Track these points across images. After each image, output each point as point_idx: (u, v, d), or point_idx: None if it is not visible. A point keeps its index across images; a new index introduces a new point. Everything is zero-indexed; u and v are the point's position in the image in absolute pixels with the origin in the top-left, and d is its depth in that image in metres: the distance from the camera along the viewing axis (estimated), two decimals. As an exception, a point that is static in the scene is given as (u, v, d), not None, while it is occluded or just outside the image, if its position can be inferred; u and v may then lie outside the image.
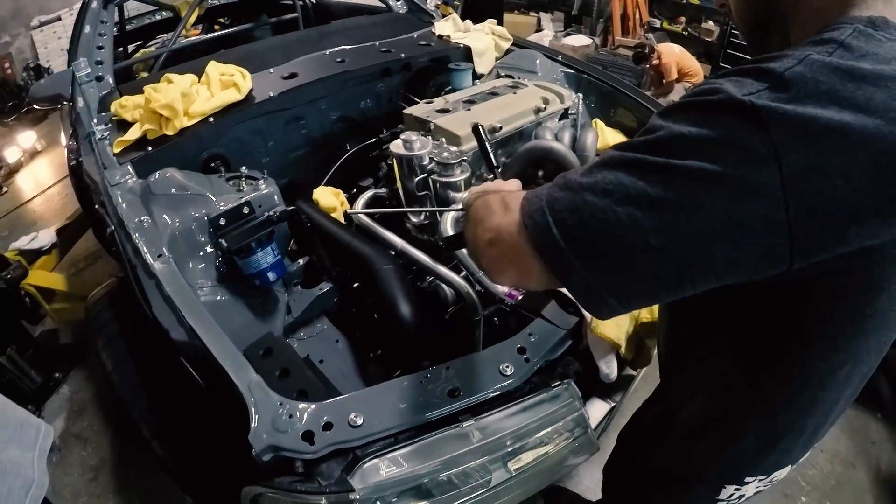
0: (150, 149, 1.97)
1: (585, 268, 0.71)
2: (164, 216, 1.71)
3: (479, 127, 1.64)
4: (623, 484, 1.41)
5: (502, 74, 2.89)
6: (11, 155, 6.40)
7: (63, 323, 3.46)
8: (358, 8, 4.02)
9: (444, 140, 1.99)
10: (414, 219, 2.01)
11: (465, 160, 1.86)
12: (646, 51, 6.82)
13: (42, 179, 6.09)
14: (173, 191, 1.77)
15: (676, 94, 6.80)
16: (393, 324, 1.64)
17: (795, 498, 2.62)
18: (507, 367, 1.36)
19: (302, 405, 1.21)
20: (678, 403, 1.10)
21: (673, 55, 6.76)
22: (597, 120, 2.76)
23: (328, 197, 2.14)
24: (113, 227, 1.72)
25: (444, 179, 1.85)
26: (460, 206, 1.49)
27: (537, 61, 2.94)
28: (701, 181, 0.64)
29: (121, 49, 3.82)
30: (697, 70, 6.95)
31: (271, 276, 1.76)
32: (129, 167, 1.89)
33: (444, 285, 1.81)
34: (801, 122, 0.61)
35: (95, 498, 2.65)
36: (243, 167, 2.00)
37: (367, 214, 1.81)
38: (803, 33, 0.75)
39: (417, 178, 1.90)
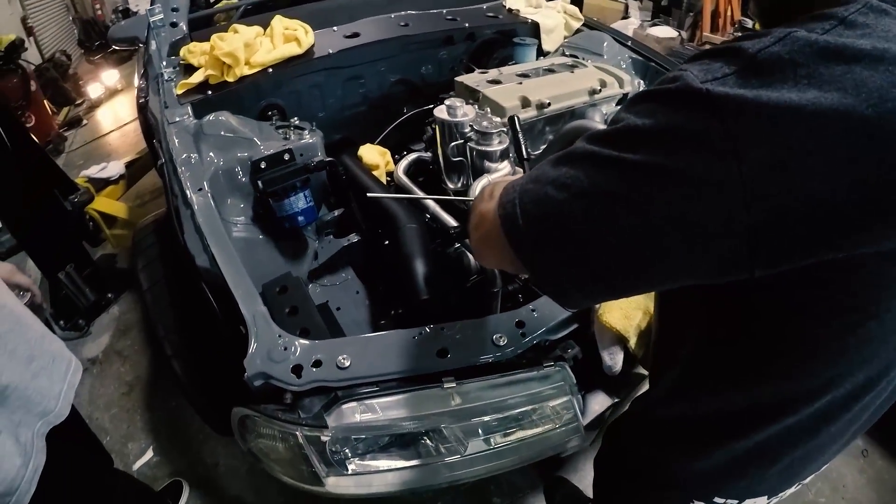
0: (209, 93, 2.07)
1: (547, 259, 0.72)
2: (211, 154, 1.81)
3: (516, 118, 1.66)
4: (605, 478, 1.38)
5: (567, 54, 2.85)
6: (94, 91, 6.84)
7: (120, 249, 3.67)
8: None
9: (489, 110, 2.00)
10: (451, 185, 2.04)
11: (503, 131, 1.86)
12: None
13: (120, 115, 6.44)
14: (223, 132, 1.86)
15: None
16: (406, 281, 1.67)
17: None
18: (501, 338, 1.35)
19: (299, 341, 1.26)
20: (658, 403, 1.05)
21: None
22: None
23: (373, 154, 2.19)
24: (163, 161, 1.82)
25: (480, 148, 1.86)
26: (470, 197, 1.56)
27: (605, 44, 2.89)
28: (652, 177, 0.61)
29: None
30: None
31: (301, 220, 1.84)
32: (188, 108, 1.99)
33: (468, 253, 1.83)
34: (766, 112, 0.55)
35: (125, 412, 2.84)
36: (295, 118, 2.08)
37: (385, 198, 1.84)
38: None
39: (453, 144, 1.92)
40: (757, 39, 0.60)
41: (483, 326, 1.39)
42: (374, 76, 2.51)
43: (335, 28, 2.46)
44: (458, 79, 2.20)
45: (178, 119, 1.92)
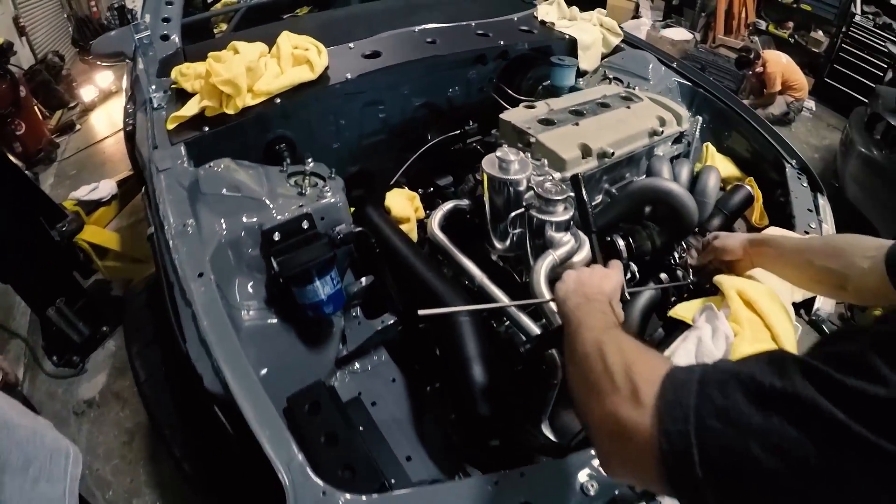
0: (206, 129, 1.72)
1: None
2: (212, 221, 1.47)
3: (577, 177, 1.38)
4: None
5: (610, 77, 2.56)
6: (88, 94, 6.62)
7: (114, 279, 3.45)
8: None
9: (545, 162, 1.69)
10: (499, 245, 1.73)
11: (570, 195, 1.54)
12: (751, 56, 6.38)
13: (115, 119, 6.24)
14: (224, 190, 1.53)
15: (777, 108, 6.37)
16: (461, 389, 1.40)
17: None
18: (591, 484, 1.09)
19: (346, 497, 1.00)
20: None
21: (779, 65, 6.31)
22: (708, 144, 2.46)
23: (402, 204, 1.88)
24: (153, 230, 1.49)
25: (543, 217, 1.55)
26: (549, 298, 1.31)
27: (650, 66, 2.62)
28: None
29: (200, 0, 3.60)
30: (803, 84, 6.50)
31: (328, 310, 1.52)
32: (181, 148, 1.64)
33: (519, 332, 1.55)
34: None
35: (128, 463, 2.65)
36: (309, 160, 1.73)
37: (438, 314, 1.43)
38: None
39: (513, 214, 1.60)
40: None
41: (568, 469, 1.13)
42: (396, 101, 2.19)
43: (351, 45, 2.13)
44: (504, 116, 1.89)
45: (169, 166, 1.57)
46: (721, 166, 2.38)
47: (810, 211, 2.07)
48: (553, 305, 1.20)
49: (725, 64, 7.47)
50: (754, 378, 0.60)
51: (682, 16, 8.63)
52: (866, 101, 6.46)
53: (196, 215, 1.45)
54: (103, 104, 6.65)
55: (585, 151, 1.74)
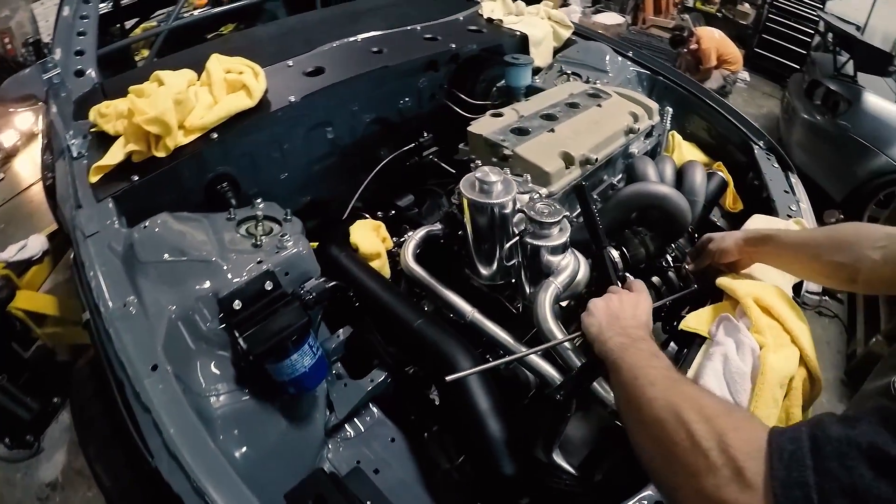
0: (136, 178, 1.47)
1: None
2: (157, 295, 1.23)
3: (583, 187, 1.29)
4: None
5: (568, 72, 2.42)
6: (8, 139, 6.12)
7: (58, 345, 3.10)
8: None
9: (528, 178, 1.52)
10: (485, 272, 1.55)
11: (566, 216, 1.38)
12: (684, 34, 6.41)
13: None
14: (167, 256, 1.29)
15: (714, 82, 6.41)
16: (482, 449, 1.23)
17: None
18: None
19: None
20: None
21: (713, 40, 6.37)
22: (674, 133, 2.37)
23: (370, 238, 1.67)
24: (89, 314, 1.24)
25: (539, 243, 1.37)
26: (574, 336, 1.19)
27: (606, 58, 2.52)
28: None
29: (117, 26, 3.31)
30: (737, 57, 6.58)
31: (311, 383, 1.30)
32: (109, 205, 1.39)
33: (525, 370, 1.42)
34: None
35: None
36: (259, 202, 1.50)
37: (466, 376, 1.24)
38: None
39: (508, 246, 1.42)
40: None
41: None
42: (344, 119, 1.98)
43: (290, 63, 1.92)
44: (472, 129, 1.70)
45: (97, 229, 1.33)
46: (688, 153, 2.33)
47: (787, 192, 2.02)
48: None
49: (659, 44, 7.54)
50: (877, 447, 0.56)
51: (611, 0, 8.64)
52: (798, 67, 6.61)
53: (137, 290, 1.22)
54: (27, 148, 6.16)
55: (568, 160, 1.59)
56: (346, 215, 1.95)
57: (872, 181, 4.63)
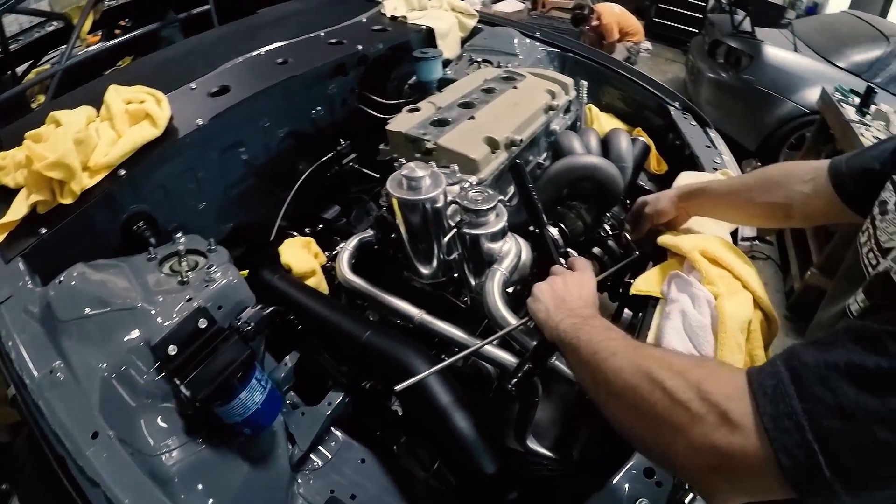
0: (44, 231, 1.35)
1: (853, 498, 0.57)
2: (84, 354, 1.13)
3: (519, 166, 1.26)
4: None
5: (478, 60, 2.40)
6: None
7: None
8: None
9: (456, 168, 1.49)
10: (425, 271, 1.51)
11: (501, 201, 1.35)
12: (585, 12, 6.50)
13: None
14: (88, 310, 1.18)
15: (619, 55, 6.55)
16: (457, 454, 1.19)
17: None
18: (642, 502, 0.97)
19: None
20: None
21: (614, 15, 6.51)
22: (591, 106, 2.40)
23: (301, 256, 1.60)
24: (14, 388, 1.13)
25: (477, 232, 1.34)
26: (523, 322, 1.18)
27: (515, 41, 2.51)
28: None
29: (8, 73, 3.13)
30: (638, 28, 6.75)
31: (267, 420, 1.22)
32: (19, 264, 1.28)
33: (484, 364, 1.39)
34: None
35: None
36: (179, 235, 1.41)
37: (415, 382, 1.11)
38: None
39: (446, 239, 1.38)
40: None
41: (611, 495, 1.00)
42: (257, 137, 1.90)
43: (193, 85, 1.83)
44: (391, 127, 1.65)
45: (9, 293, 1.22)
46: (607, 123, 2.35)
47: (709, 147, 2.06)
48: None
49: (561, 26, 7.66)
50: (854, 364, 0.58)
51: (510, -13, 8.74)
52: (697, 31, 6.83)
53: (63, 353, 1.13)
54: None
55: (493, 145, 1.56)
56: (273, 236, 1.87)
57: (782, 127, 4.90)
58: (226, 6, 3.57)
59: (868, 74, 4.86)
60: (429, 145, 1.55)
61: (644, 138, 2.21)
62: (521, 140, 1.60)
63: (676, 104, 2.30)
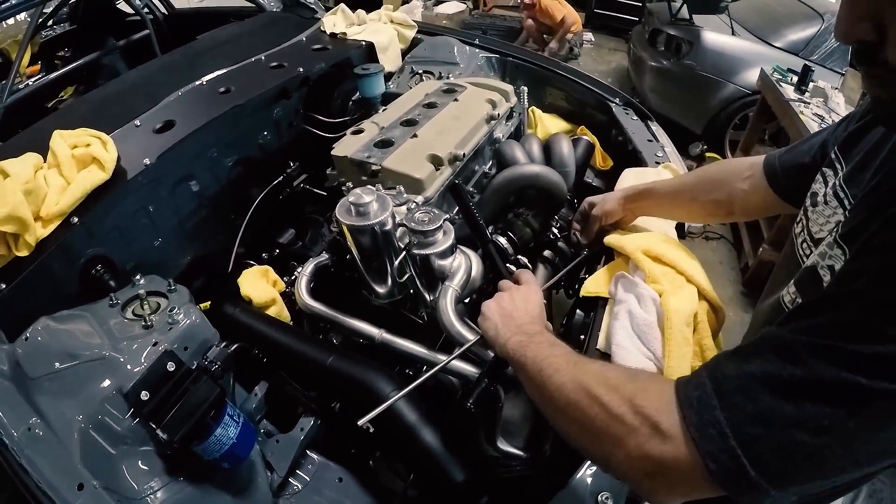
0: (3, 286, 1.36)
1: (782, 492, 0.63)
2: (59, 408, 1.15)
3: (458, 186, 1.31)
4: None
5: (419, 72, 2.45)
6: None
7: None
8: (221, 13, 3.43)
9: (401, 189, 1.53)
10: (381, 290, 1.55)
11: (447, 219, 1.40)
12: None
13: None
14: (58, 364, 1.19)
15: (563, 49, 6.73)
16: (427, 465, 1.24)
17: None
18: (606, 497, 1.02)
19: None
20: None
21: None
22: (534, 108, 2.46)
23: (260, 286, 1.62)
24: None
25: (425, 252, 1.38)
26: (476, 339, 1.24)
27: (454, 50, 2.56)
28: None
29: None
30: (575, 17, 6.97)
31: (244, 453, 1.25)
32: (-18, 323, 1.29)
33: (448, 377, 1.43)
34: None
35: None
36: (139, 277, 1.44)
37: (379, 413, 1.17)
38: None
39: (397, 263, 1.41)
40: None
41: (577, 492, 1.05)
42: (206, 168, 1.91)
43: (137, 122, 1.82)
44: (336, 153, 1.68)
45: (-25, 356, 1.23)
46: (551, 124, 2.43)
47: (650, 141, 2.13)
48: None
49: (503, 23, 7.76)
50: (771, 374, 0.63)
51: (450, -12, 8.80)
52: (637, 20, 6.98)
53: (38, 409, 1.14)
54: None
55: (437, 162, 1.60)
56: (231, 265, 1.90)
57: (725, 109, 5.05)
58: (165, 31, 3.58)
59: (805, 52, 5.04)
60: (374, 168, 1.58)
61: (588, 136, 2.27)
62: (464, 154, 1.65)
63: (617, 100, 2.37)
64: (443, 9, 7.90)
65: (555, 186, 1.67)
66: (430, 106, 1.91)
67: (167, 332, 1.29)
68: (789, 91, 4.00)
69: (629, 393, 0.73)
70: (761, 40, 5.29)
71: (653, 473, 0.70)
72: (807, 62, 4.49)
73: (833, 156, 0.94)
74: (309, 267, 1.67)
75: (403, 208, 1.46)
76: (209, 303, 1.60)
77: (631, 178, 1.83)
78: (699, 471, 0.65)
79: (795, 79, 4.10)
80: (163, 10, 3.73)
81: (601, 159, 2.32)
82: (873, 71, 0.66)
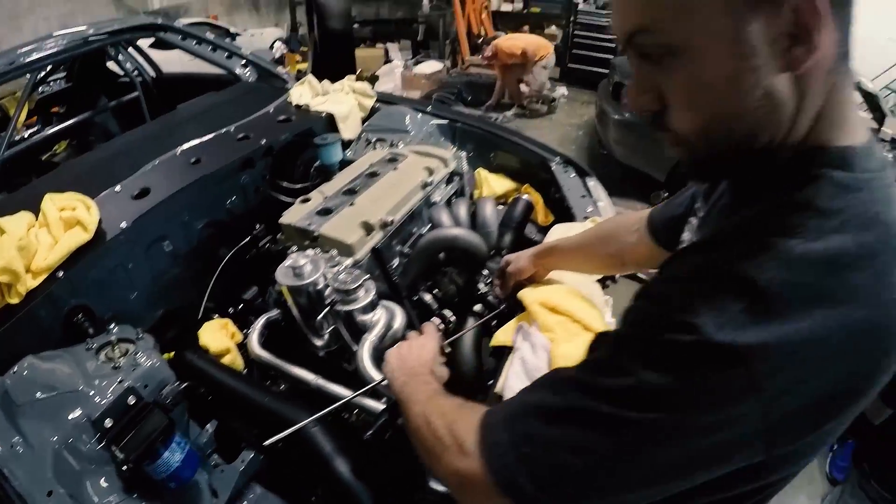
0: None
1: None
2: (38, 431, 1.41)
3: (379, 251, 1.55)
4: None
5: (373, 140, 2.72)
6: None
7: None
8: (203, 79, 3.73)
9: (335, 252, 1.78)
10: (319, 343, 1.79)
11: (367, 278, 1.65)
12: (479, 41, 7.01)
13: None
14: (39, 394, 1.46)
15: (538, 76, 7.01)
16: (343, 496, 1.45)
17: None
18: None
19: None
20: None
21: (511, 38, 7.26)
22: (480, 170, 2.67)
23: (217, 338, 1.88)
24: None
25: (349, 308, 1.64)
26: (378, 381, 1.40)
27: (406, 118, 2.81)
28: (678, 431, 0.63)
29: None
30: (542, 43, 7.31)
31: (187, 474, 1.50)
32: (-22, 359, 1.56)
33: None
34: (783, 347, 0.58)
35: None
36: (113, 326, 1.72)
37: (283, 438, 1.35)
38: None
39: (320, 317, 1.68)
40: (760, 268, 0.61)
41: None
42: (178, 230, 2.17)
43: (118, 188, 2.09)
44: (283, 220, 1.94)
45: (-31, 383, 1.50)
46: (497, 184, 2.61)
47: (584, 197, 2.31)
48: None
49: (478, 80, 8.07)
50: (543, 404, 0.73)
51: (429, 49, 9.19)
52: (607, 72, 7.29)
53: (20, 430, 1.40)
54: None
55: (368, 228, 1.84)
56: (200, 318, 2.10)
57: None
58: (154, 93, 3.86)
59: None
60: (314, 234, 1.82)
61: (531, 194, 2.48)
62: (393, 221, 1.90)
63: (557, 159, 2.56)
64: (421, 69, 8.19)
65: (472, 246, 1.89)
66: (372, 175, 2.14)
67: (131, 373, 1.56)
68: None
69: (452, 419, 0.85)
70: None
71: (460, 485, 0.80)
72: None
73: (697, 204, 0.99)
74: (260, 321, 1.90)
75: (334, 269, 1.69)
76: (174, 353, 1.84)
77: (558, 233, 1.97)
78: (491, 484, 0.73)
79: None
80: (151, 72, 4.01)
81: (543, 215, 2.50)
82: (666, 135, 0.74)
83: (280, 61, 8.91)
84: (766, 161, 0.69)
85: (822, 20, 0.59)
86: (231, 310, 2.18)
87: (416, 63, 8.66)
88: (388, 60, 8.94)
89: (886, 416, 3.04)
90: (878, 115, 5.69)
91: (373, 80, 8.26)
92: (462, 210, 2.18)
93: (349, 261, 1.74)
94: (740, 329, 0.59)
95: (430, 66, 8.29)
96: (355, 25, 11.61)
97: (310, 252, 1.74)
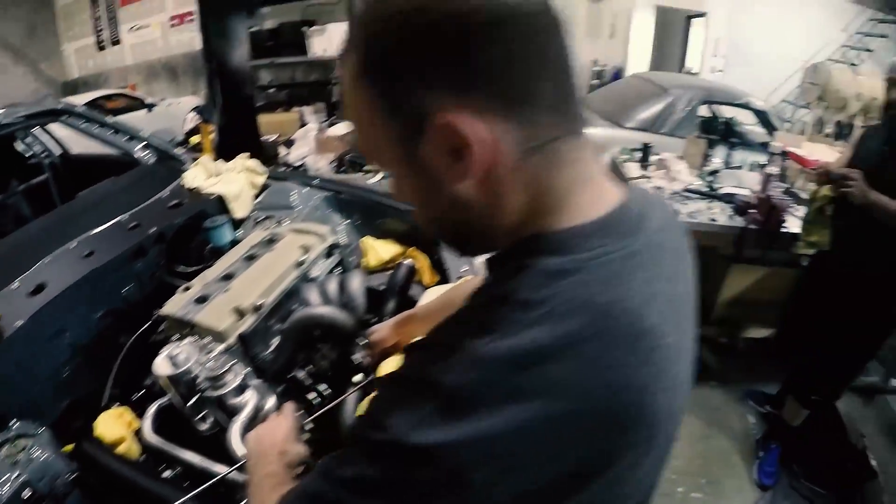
0: None
1: None
2: None
3: (244, 337, 1.74)
4: None
5: (260, 219, 2.89)
6: None
7: None
8: (107, 161, 3.86)
9: (208, 339, 1.94)
10: (203, 427, 1.92)
11: (235, 362, 1.84)
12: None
13: None
14: None
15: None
16: None
17: (672, 495, 2.91)
18: None
19: None
20: None
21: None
22: (367, 238, 2.82)
23: (111, 427, 2.00)
24: None
25: (218, 393, 1.80)
26: (239, 464, 1.54)
27: (292, 195, 2.98)
28: None
29: None
30: None
31: None
32: None
33: None
34: (478, 443, 0.59)
35: None
36: (14, 423, 1.86)
37: None
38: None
39: (189, 404, 1.84)
40: (450, 371, 0.63)
41: None
42: (76, 322, 2.28)
43: (15, 285, 2.19)
44: (163, 311, 2.10)
45: None
46: (383, 250, 2.74)
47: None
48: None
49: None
50: (306, 491, 0.77)
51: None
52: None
53: None
54: None
55: (240, 313, 2.00)
56: (103, 406, 2.20)
57: None
58: (62, 173, 4.00)
59: (655, 127, 5.57)
60: (191, 323, 1.98)
61: (415, 257, 2.63)
62: (265, 304, 2.08)
63: None
64: (334, 130, 8.33)
65: (337, 322, 2.01)
66: (251, 258, 2.31)
67: (28, 466, 1.72)
68: (634, 169, 4.42)
69: (261, 499, 1.00)
70: (616, 125, 5.77)
71: None
72: (659, 134, 5.10)
73: None
74: (152, 408, 2.02)
75: (206, 358, 1.85)
76: (73, 444, 1.97)
77: (432, 295, 2.11)
78: None
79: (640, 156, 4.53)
80: (57, 153, 4.15)
81: (429, 276, 2.63)
82: None
83: (194, 132, 8.87)
84: (492, 251, 0.76)
85: (468, 139, 0.63)
86: (134, 397, 2.28)
87: (330, 125, 8.79)
88: (303, 124, 9.08)
89: (804, 416, 3.29)
90: (769, 129, 6.16)
91: (289, 144, 8.38)
92: (332, 285, 2.33)
93: (222, 346, 1.91)
94: (431, 429, 0.60)
95: (343, 128, 8.46)
96: (271, 90, 11.87)
97: (186, 340, 1.91)
